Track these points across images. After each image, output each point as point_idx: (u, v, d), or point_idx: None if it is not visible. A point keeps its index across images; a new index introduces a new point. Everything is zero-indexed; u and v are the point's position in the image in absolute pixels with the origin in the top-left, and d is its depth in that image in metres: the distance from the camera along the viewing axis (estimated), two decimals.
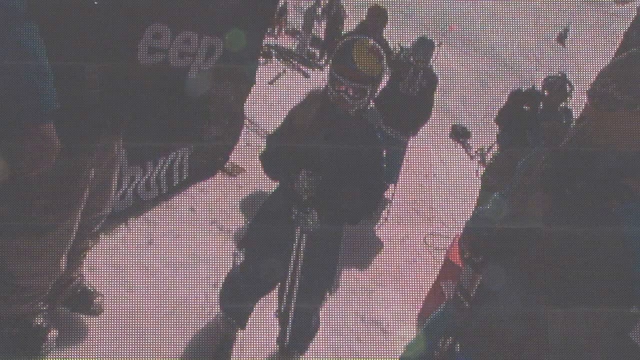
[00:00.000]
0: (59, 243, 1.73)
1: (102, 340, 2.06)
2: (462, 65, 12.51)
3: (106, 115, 1.70)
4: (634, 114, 1.16)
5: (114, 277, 2.34)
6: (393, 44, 4.56)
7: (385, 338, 2.73)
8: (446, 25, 14.42)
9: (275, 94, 6.22)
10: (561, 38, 15.61)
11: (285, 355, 2.26)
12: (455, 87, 10.16)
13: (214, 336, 2.28)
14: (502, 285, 1.39)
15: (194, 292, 2.46)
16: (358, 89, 1.80)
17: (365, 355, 2.52)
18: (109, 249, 2.17)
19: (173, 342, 2.20)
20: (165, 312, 2.30)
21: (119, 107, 1.75)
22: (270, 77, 6.99)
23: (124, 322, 2.12)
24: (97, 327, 2.11)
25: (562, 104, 3.73)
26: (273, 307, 2.16)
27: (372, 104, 1.99)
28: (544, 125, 3.34)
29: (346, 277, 3.10)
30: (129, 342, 2.07)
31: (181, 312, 2.35)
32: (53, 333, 1.91)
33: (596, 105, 1.22)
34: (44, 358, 1.89)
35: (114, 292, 2.22)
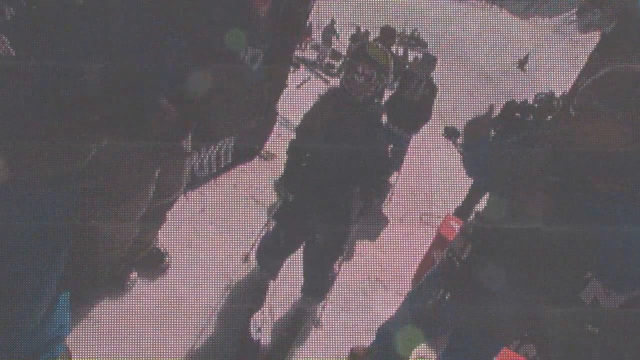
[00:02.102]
0: (134, 209, 1.79)
1: (169, 282, 2.14)
2: (455, 77, 12.29)
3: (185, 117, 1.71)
4: (613, 122, 1.13)
5: (176, 236, 2.41)
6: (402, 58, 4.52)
7: (386, 292, 2.75)
8: (443, 43, 14.20)
9: (302, 95, 6.22)
10: (521, 64, 14.78)
11: (303, 300, 2.30)
12: (448, 94, 10.00)
13: (252, 283, 2.33)
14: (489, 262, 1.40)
15: (236, 249, 2.52)
16: (369, 73, 1.88)
17: (369, 305, 2.56)
18: (171, 215, 2.23)
19: (216, 286, 2.26)
20: (214, 264, 2.35)
21: (193, 109, 1.77)
22: (298, 82, 6.98)
23: (185, 271, 2.19)
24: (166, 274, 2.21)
25: (549, 117, 3.69)
26: (299, 264, 2.20)
27: (378, 101, 2.02)
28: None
29: (357, 244, 3.13)
30: (186, 287, 2.14)
31: (225, 264, 2.40)
32: (134, 274, 2.00)
33: (580, 117, 1.19)
34: (128, 291, 1.99)
35: (176, 248, 2.30)
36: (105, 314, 1.87)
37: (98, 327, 1.82)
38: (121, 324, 1.83)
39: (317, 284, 2.21)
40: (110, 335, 1.76)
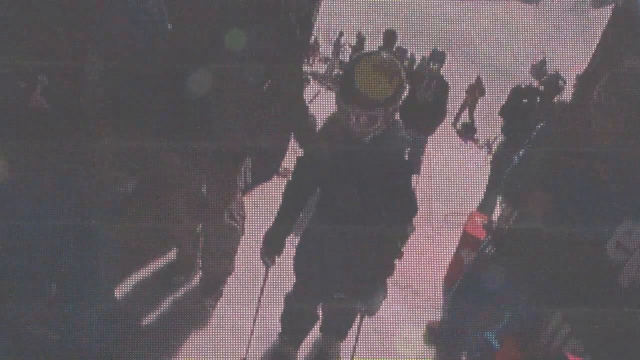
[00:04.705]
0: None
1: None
2: (466, 74, 12.15)
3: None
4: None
5: None
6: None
7: (417, 298, 2.71)
8: (453, 40, 14.09)
9: (314, 110, 6.27)
10: (538, 74, 12.77)
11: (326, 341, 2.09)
12: (461, 92, 9.88)
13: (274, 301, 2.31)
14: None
15: (256, 265, 2.54)
16: (367, 116, 1.35)
17: (402, 313, 2.50)
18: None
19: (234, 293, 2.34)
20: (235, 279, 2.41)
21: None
22: (310, 97, 7.04)
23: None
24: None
25: (556, 98, 3.64)
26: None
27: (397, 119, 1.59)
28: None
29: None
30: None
31: (245, 279, 2.42)
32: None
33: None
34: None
35: None
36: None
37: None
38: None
39: (338, 323, 2.02)
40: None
